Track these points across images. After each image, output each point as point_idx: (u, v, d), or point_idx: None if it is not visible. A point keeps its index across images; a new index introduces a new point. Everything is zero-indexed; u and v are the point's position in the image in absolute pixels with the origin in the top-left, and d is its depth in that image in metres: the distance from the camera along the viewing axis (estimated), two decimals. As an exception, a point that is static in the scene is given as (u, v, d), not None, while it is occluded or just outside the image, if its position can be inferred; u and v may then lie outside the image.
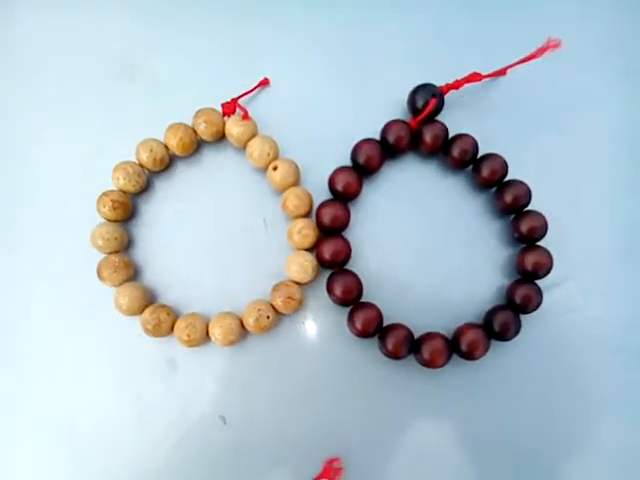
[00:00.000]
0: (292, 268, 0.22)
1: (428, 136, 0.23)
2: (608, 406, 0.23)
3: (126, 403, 0.22)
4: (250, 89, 0.24)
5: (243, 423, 0.22)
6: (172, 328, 0.22)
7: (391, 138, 0.23)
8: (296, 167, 0.23)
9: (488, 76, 0.24)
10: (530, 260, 0.23)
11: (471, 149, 0.23)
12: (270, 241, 0.23)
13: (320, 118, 0.24)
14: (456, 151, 0.23)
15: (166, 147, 0.23)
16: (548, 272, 0.23)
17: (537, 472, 0.22)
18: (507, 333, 0.22)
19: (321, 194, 0.23)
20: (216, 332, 0.21)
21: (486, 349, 0.22)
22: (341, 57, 0.25)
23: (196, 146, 0.23)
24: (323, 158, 0.23)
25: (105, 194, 0.22)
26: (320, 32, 0.25)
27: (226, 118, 0.23)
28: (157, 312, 0.22)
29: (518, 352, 0.23)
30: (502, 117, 0.24)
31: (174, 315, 0.22)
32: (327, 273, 0.23)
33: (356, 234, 0.23)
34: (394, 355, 0.22)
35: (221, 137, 0.24)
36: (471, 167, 0.24)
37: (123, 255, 0.22)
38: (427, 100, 0.23)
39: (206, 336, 0.22)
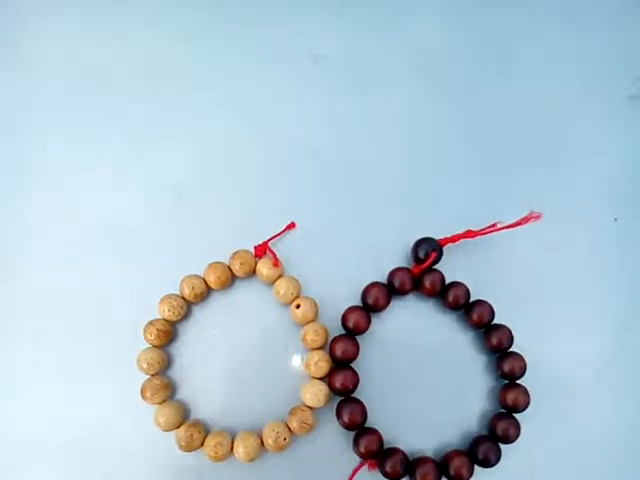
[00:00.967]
0: (307, 396, 0.26)
1: (428, 282, 0.28)
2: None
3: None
4: (278, 232, 0.28)
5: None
6: (202, 444, 0.25)
7: (396, 282, 0.27)
8: (316, 305, 0.27)
9: (481, 233, 0.28)
10: (510, 397, 0.27)
11: (463, 295, 0.28)
12: (288, 366, 0.27)
13: (337, 262, 0.28)
14: (451, 296, 0.28)
15: (205, 282, 0.27)
16: (525, 408, 0.27)
17: None
18: (489, 461, 0.26)
19: (336, 328, 0.27)
20: (240, 450, 0.25)
21: (471, 474, 0.26)
22: (353, 209, 0.29)
23: (231, 282, 0.27)
24: (338, 296, 0.27)
25: (151, 323, 0.26)
26: (336, 191, 0.30)
27: (257, 259, 0.27)
28: (190, 430, 0.25)
29: (499, 476, 0.26)
30: (492, 267, 0.29)
31: (205, 432, 0.26)
32: (337, 399, 0.27)
33: (364, 364, 0.27)
34: (392, 476, 0.26)
35: (252, 274, 0.28)
36: (463, 310, 0.28)
37: (163, 377, 0.26)
38: (428, 252, 0.27)
39: (230, 452, 0.25)
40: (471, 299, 0.28)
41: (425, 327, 0.28)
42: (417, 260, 0.28)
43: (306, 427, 0.25)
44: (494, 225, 0.28)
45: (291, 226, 0.29)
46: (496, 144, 0.31)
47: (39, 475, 0.26)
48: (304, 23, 0.32)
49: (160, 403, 0.26)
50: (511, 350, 0.27)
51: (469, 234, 0.28)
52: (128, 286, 0.27)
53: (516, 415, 0.27)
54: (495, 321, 0.27)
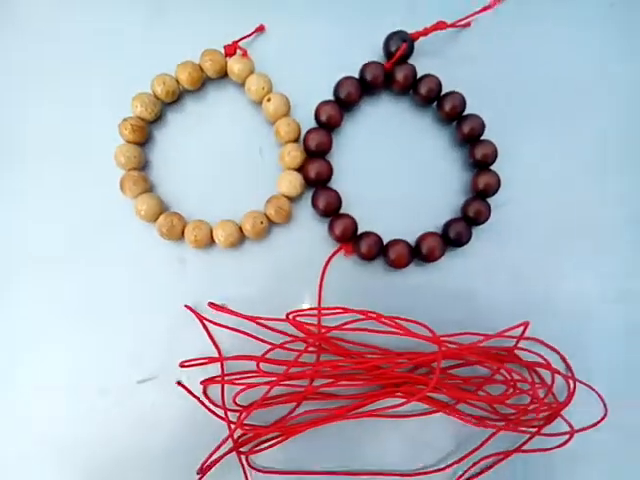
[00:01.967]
0: (282, 184, 0.26)
1: (399, 76, 0.28)
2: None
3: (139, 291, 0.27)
4: (248, 33, 0.28)
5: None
6: (182, 233, 0.26)
7: (368, 76, 0.27)
8: (287, 100, 0.27)
9: (452, 25, 0.28)
10: (482, 181, 0.27)
11: (436, 88, 0.28)
12: (264, 164, 0.28)
13: (308, 60, 0.28)
14: (423, 89, 0.28)
15: (177, 81, 0.27)
16: (496, 192, 0.27)
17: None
18: (460, 240, 0.27)
19: (308, 124, 0.27)
20: (219, 234, 0.26)
21: (442, 253, 0.27)
22: (327, 7, 0.29)
23: (202, 82, 0.27)
24: (310, 94, 0.27)
25: (126, 119, 0.26)
26: None
27: (228, 58, 0.27)
28: (170, 217, 0.26)
29: (469, 258, 0.27)
30: (465, 61, 0.29)
31: (184, 221, 0.27)
32: (312, 190, 0.27)
33: (337, 158, 0.28)
34: (366, 257, 0.27)
35: (223, 75, 0.28)
36: (436, 104, 0.28)
37: (141, 172, 0.27)
38: (399, 45, 0.27)
39: (211, 239, 0.26)
40: (443, 92, 0.28)
41: (398, 123, 0.28)
42: (389, 55, 0.28)
43: (282, 213, 0.26)
44: (465, 18, 0.28)
45: (260, 28, 0.28)
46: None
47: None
48: None
49: (139, 195, 0.26)
50: (483, 138, 0.28)
51: (440, 25, 0.28)
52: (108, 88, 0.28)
53: (488, 200, 0.27)
54: (466, 112, 0.28)
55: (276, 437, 0.26)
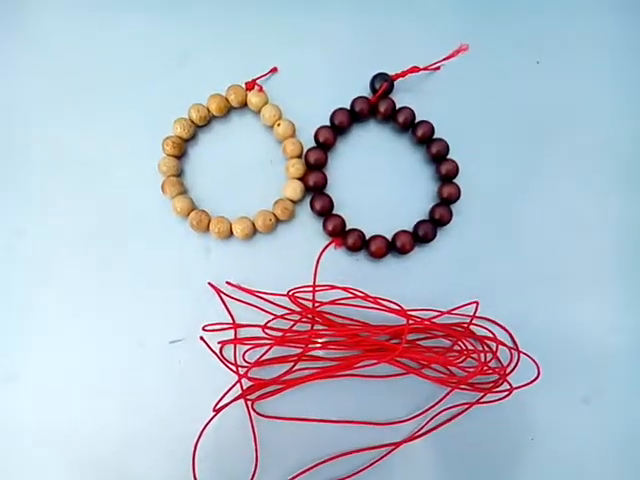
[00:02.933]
0: (288, 190, 0.34)
1: (382, 107, 0.35)
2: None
3: (174, 271, 0.34)
4: (264, 73, 0.36)
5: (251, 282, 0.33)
6: (208, 226, 0.34)
7: (357, 108, 0.35)
8: (293, 125, 0.34)
9: (425, 69, 0.35)
10: (446, 191, 0.34)
11: (411, 117, 0.35)
12: (274, 174, 0.35)
13: (310, 94, 0.36)
14: (401, 118, 0.35)
15: (208, 109, 0.35)
16: (457, 199, 0.34)
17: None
18: (427, 238, 0.34)
19: (309, 144, 0.35)
20: (237, 228, 0.33)
21: (413, 248, 0.34)
22: (326, 54, 0.36)
23: (227, 110, 0.35)
24: (311, 120, 0.35)
25: (167, 138, 0.34)
26: (316, 32, 0.37)
27: (248, 92, 0.35)
28: (199, 214, 0.33)
29: (434, 251, 0.34)
30: (434, 96, 0.36)
31: (210, 217, 0.34)
32: (310, 195, 0.34)
33: (331, 171, 0.35)
34: (352, 248, 0.34)
35: (244, 105, 0.35)
36: (411, 130, 0.36)
37: (178, 178, 0.34)
38: (382, 84, 0.35)
39: (230, 232, 0.34)
40: (416, 121, 0.35)
41: (381, 146, 0.36)
42: (374, 91, 0.35)
43: (287, 212, 0.34)
44: (435, 63, 0.35)
45: (274, 70, 0.36)
46: None
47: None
48: None
49: (176, 195, 0.34)
50: (447, 157, 0.35)
51: (414, 70, 0.35)
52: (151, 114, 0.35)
53: (451, 206, 0.34)
54: (435, 137, 0.35)
55: (275, 390, 0.32)
